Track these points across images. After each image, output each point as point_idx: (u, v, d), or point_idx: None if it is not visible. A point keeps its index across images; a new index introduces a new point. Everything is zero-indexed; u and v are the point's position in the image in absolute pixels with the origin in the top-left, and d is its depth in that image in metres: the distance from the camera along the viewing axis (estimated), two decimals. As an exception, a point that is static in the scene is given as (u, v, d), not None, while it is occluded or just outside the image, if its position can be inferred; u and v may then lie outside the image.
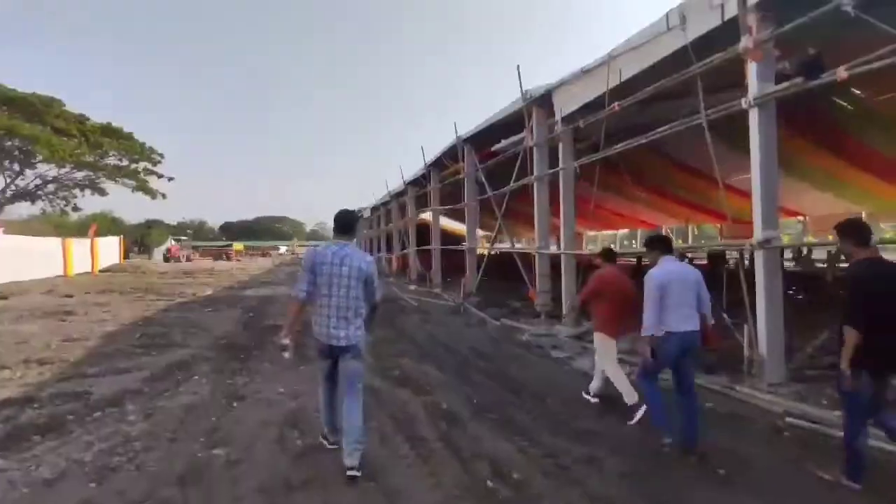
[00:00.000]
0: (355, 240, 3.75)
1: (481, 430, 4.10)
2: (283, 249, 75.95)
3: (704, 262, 25.94)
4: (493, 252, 14.73)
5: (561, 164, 9.96)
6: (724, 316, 6.28)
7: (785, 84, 5.20)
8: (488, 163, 13.44)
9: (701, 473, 3.41)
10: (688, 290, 3.74)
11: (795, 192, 18.19)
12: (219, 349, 7.37)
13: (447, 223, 27.31)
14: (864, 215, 19.13)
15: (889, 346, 3.03)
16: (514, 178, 12.05)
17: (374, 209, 33.12)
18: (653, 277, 3.73)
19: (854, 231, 3.30)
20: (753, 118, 5.60)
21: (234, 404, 4.82)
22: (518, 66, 10.70)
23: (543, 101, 10.39)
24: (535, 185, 10.81)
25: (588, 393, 5.03)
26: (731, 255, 25.07)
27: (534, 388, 5.31)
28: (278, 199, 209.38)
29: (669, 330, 3.65)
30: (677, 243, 27.09)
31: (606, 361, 4.77)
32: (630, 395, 4.46)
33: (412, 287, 18.72)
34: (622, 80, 7.81)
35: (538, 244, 10.87)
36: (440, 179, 19.08)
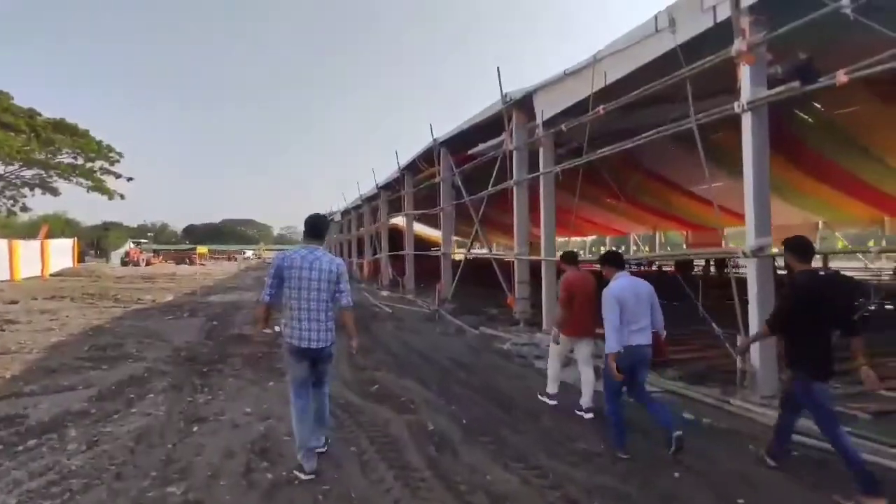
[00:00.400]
0: (325, 243, 3.79)
1: (474, 455, 3.73)
2: (249, 253, 73.93)
3: (671, 269, 26.37)
4: (469, 258, 14.40)
5: (542, 169, 9.73)
6: (714, 326, 6.11)
7: (780, 88, 5.06)
8: (465, 167, 13.14)
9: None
10: (641, 304, 3.84)
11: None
12: (178, 362, 6.77)
13: (420, 229, 26.98)
14: (820, 224, 19.96)
15: (825, 355, 3.33)
16: (492, 182, 11.78)
17: (346, 213, 32.42)
18: (609, 294, 3.82)
19: (799, 248, 3.57)
20: (746, 123, 5.45)
21: (194, 428, 4.29)
22: (498, 68, 10.47)
23: (523, 103, 10.16)
24: (514, 189, 10.55)
25: (580, 409, 4.82)
26: (698, 263, 25.56)
27: (523, 404, 4.97)
28: (245, 202, 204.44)
29: (624, 344, 3.75)
30: (644, 251, 27.50)
31: (553, 355, 5.04)
32: (552, 387, 5.02)
33: (384, 293, 18.23)
34: (607, 84, 7.62)
35: (517, 250, 10.61)
36: (414, 184, 18.71)
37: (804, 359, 3.38)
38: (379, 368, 6.40)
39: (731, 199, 20.46)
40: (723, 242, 23.62)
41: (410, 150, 18.05)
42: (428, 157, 15.94)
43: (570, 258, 5.23)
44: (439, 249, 15.75)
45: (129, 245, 48.29)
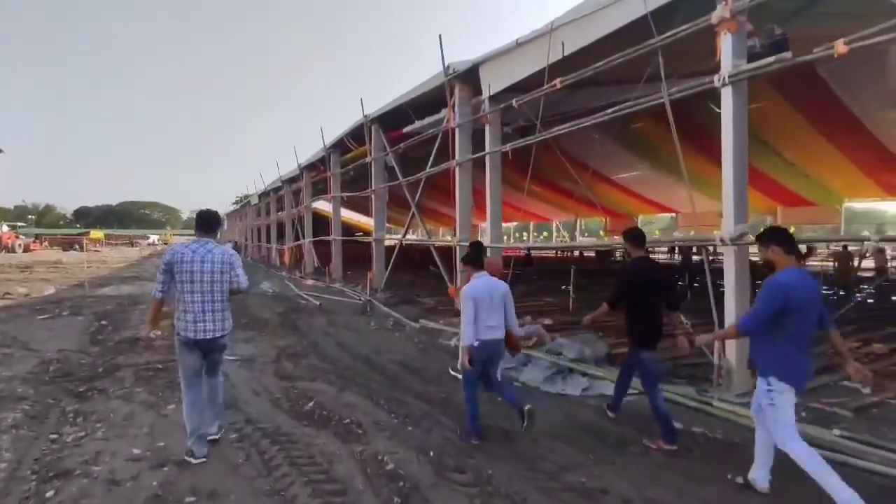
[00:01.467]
0: (217, 236, 3.92)
1: (453, 505, 2.87)
2: (153, 239, 67.54)
3: (590, 255, 26.97)
4: (404, 244, 13.45)
5: (488, 148, 8.98)
6: (682, 319, 5.69)
7: (769, 59, 4.59)
8: (400, 145, 12.10)
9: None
10: (495, 304, 4.05)
11: (670, 188, 19.53)
12: (44, 380, 5.27)
13: (346, 214, 25.32)
14: (723, 212, 21.15)
15: (650, 329, 3.99)
16: (430, 163, 10.88)
17: (264, 195, 30.01)
18: (465, 294, 4.03)
19: (636, 237, 4.23)
20: (727, 98, 4.97)
21: (48, 493, 3.03)
22: (440, 36, 9.50)
23: (468, 76, 9.32)
24: (456, 170, 9.73)
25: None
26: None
27: (496, 422, 4.18)
28: (150, 184, 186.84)
29: (478, 338, 3.98)
30: (565, 237, 27.80)
31: None
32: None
33: (309, 282, 16.81)
34: (565, 54, 6.95)
35: (459, 236, 9.83)
36: (342, 164, 17.33)
37: (635, 331, 4.03)
38: (313, 378, 5.34)
39: (648, 188, 21.26)
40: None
41: (337, 129, 16.68)
42: (358, 136, 14.69)
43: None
44: (366, 235, 14.68)
45: (2, 228, 41.92)
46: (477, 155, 9.33)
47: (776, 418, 2.92)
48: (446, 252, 11.00)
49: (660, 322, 4.04)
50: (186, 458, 3.45)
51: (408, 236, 14.22)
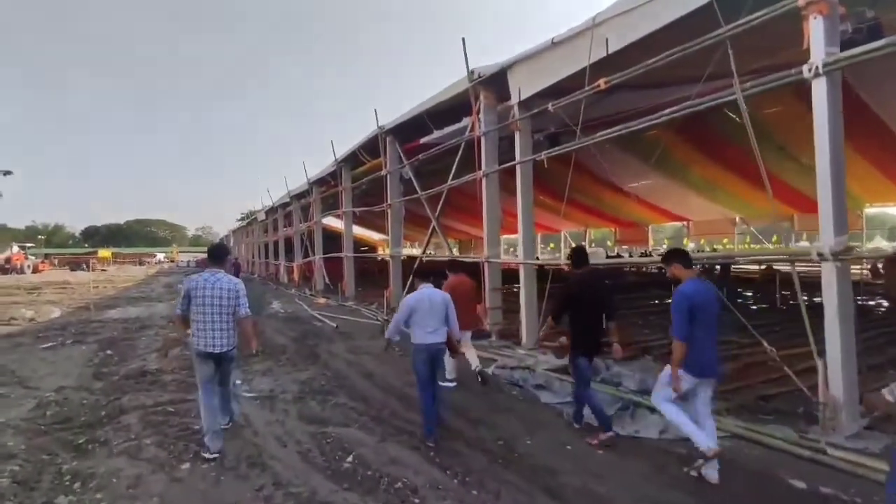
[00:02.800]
0: (226, 266, 4.55)
1: None
2: (161, 256, 67.21)
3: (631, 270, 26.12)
4: (424, 259, 12.80)
5: (518, 157, 8.35)
6: (764, 343, 4.98)
7: (876, 44, 3.92)
8: (419, 156, 11.49)
9: None
10: (435, 311, 4.46)
11: (681, 196, 18.97)
12: (40, 428, 4.61)
13: (355, 230, 24.71)
14: (737, 219, 20.53)
15: (587, 338, 4.40)
16: (452, 174, 10.27)
17: (272, 211, 29.52)
18: (404, 301, 4.55)
19: (578, 256, 4.78)
20: (820, 90, 4.31)
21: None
22: (463, 39, 8.95)
23: (494, 81, 8.72)
24: (483, 181, 9.09)
25: (445, 379, 5.69)
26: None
27: (574, 482, 3.46)
28: (157, 201, 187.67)
29: (418, 342, 4.42)
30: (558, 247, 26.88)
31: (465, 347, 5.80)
32: (475, 361, 5.98)
33: (321, 301, 16.15)
34: (609, 53, 6.33)
35: (488, 251, 9.17)
36: (354, 178, 16.78)
37: (575, 340, 4.45)
38: (346, 422, 4.63)
39: (659, 197, 20.66)
40: (649, 238, 23.62)
41: (346, 144, 16.15)
42: (371, 148, 14.13)
43: (453, 266, 6.31)
44: (371, 251, 14.01)
45: (13, 249, 41.67)
46: (507, 165, 8.69)
47: (659, 387, 3.79)
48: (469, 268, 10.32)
49: (600, 332, 4.49)
50: (202, 453, 3.96)
51: (429, 253, 13.57)
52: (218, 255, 4.46)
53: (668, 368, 3.68)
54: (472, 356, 6.02)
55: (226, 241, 43.47)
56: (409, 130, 12.04)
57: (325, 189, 19.83)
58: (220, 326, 4.10)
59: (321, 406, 5.13)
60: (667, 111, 5.74)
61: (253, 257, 38.76)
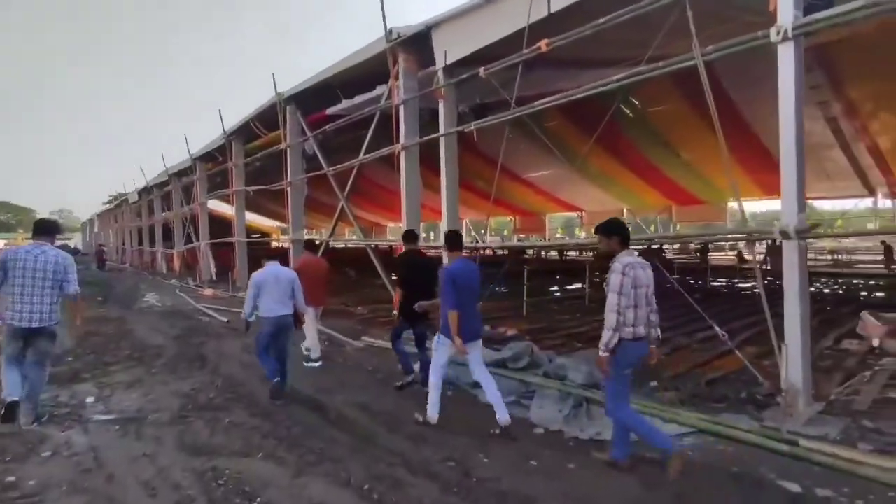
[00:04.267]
0: (54, 241, 4.46)
1: None
2: (1, 244, 56.80)
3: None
4: (333, 245, 11.57)
5: (443, 129, 7.53)
6: (718, 331, 4.70)
7: (852, 5, 3.64)
8: (326, 127, 10.22)
9: None
10: (281, 287, 4.85)
11: (576, 187, 19.76)
12: None
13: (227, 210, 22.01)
14: (624, 211, 21.71)
15: (409, 305, 4.98)
16: (364, 149, 9.19)
17: (145, 192, 25.83)
18: (252, 279, 4.93)
19: (407, 237, 5.79)
20: (786, 55, 4.00)
21: None
22: (381, -7, 7.87)
23: (415, 43, 7.78)
24: (402, 155, 8.15)
25: (309, 360, 6.15)
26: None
27: None
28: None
29: (265, 315, 4.79)
30: (472, 236, 27.20)
31: (310, 324, 6.03)
32: (315, 350, 6.20)
33: (208, 292, 14.19)
34: (552, 12, 5.71)
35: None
36: (247, 153, 14.86)
37: (402, 306, 5.08)
38: (247, 452, 3.48)
39: (556, 187, 21.37)
40: (546, 227, 24.30)
41: (237, 114, 14.23)
42: (268, 120, 12.46)
43: (307, 245, 7.12)
44: (265, 237, 12.50)
45: None
46: (430, 137, 7.83)
47: (435, 357, 4.19)
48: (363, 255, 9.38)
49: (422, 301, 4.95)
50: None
51: (339, 238, 12.33)
52: (44, 228, 4.34)
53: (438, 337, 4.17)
54: (312, 336, 6.24)
55: (89, 226, 37.78)
56: (313, 99, 10.67)
57: (212, 166, 17.51)
58: (40, 300, 3.98)
59: (210, 428, 3.92)
60: (615, 77, 5.25)
61: (123, 244, 33.98)
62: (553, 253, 26.94)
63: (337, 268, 17.71)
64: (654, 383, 5.05)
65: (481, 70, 6.58)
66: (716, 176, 16.16)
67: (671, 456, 3.11)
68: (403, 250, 5.61)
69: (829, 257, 23.88)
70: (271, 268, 4.95)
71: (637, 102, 12.83)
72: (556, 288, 14.51)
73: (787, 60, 4.00)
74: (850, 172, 14.59)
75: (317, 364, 6.09)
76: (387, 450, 3.55)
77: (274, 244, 26.53)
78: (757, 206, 26.58)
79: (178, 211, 21.25)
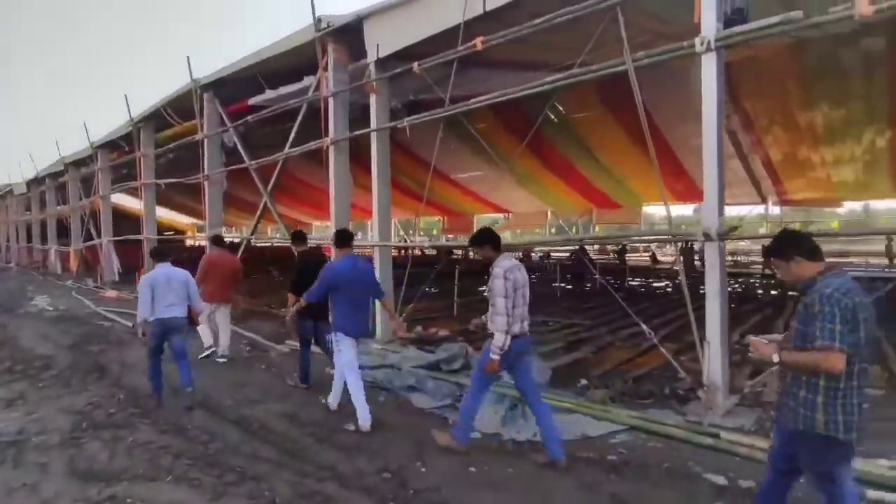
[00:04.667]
0: None
1: None
2: None
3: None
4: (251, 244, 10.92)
5: (375, 124, 7.29)
6: (645, 329, 4.87)
7: (773, 19, 3.87)
8: (248, 118, 9.59)
9: None
10: (172, 288, 4.71)
11: (506, 189, 20.30)
12: None
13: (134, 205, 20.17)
14: (549, 213, 22.75)
15: (318, 305, 4.52)
16: (290, 143, 8.72)
17: (35, 182, 23.09)
18: (143, 281, 4.80)
19: (296, 237, 5.63)
20: (710, 66, 4.20)
21: None
22: (309, -21, 7.48)
23: (346, 34, 7.47)
24: (331, 150, 7.80)
25: (218, 356, 6.13)
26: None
27: None
28: None
29: (157, 317, 4.66)
30: (401, 235, 27.09)
31: (209, 319, 6.01)
32: (207, 341, 6.14)
33: (111, 294, 12.92)
34: (487, 9, 5.67)
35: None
36: (157, 143, 13.66)
37: (304, 312, 4.76)
38: (154, 475, 3.06)
39: (485, 188, 21.78)
40: (475, 227, 24.80)
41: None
42: (183, 108, 11.50)
43: (217, 240, 6.71)
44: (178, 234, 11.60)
45: None
46: (361, 132, 7.56)
47: (343, 357, 4.11)
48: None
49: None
50: None
51: (260, 237, 11.64)
52: None
53: (339, 337, 4.14)
54: (225, 329, 6.19)
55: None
56: (235, 88, 9.99)
57: (118, 156, 15.95)
58: None
59: (110, 450, 3.44)
60: (550, 79, 5.30)
61: (8, 241, 30.20)
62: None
63: (261, 268, 16.90)
64: (584, 382, 5.16)
65: (415, 65, 6.42)
66: (631, 181, 17.06)
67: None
68: (298, 252, 5.48)
69: (730, 258, 26.17)
70: (162, 269, 4.84)
71: (562, 108, 13.28)
72: (485, 288, 14.63)
73: (709, 70, 4.21)
74: (747, 181, 16.00)
75: (223, 360, 6.09)
76: (316, 463, 3.29)
77: (188, 242, 24.79)
78: (666, 210, 28.58)
79: (75, 204, 19.18)
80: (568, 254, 19.26)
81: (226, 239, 7.44)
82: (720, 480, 3.10)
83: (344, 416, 4.13)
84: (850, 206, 18.44)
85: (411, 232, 30.50)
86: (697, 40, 4.18)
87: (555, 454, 3.30)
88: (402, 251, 17.38)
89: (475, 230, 3.98)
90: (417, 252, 19.64)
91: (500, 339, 3.25)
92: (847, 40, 7.75)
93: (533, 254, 24.14)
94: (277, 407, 4.40)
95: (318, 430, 3.88)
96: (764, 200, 17.78)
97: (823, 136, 12.09)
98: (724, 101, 4.32)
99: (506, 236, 30.25)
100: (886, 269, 17.90)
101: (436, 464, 3.29)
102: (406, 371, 5.36)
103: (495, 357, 3.28)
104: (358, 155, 8.38)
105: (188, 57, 10.75)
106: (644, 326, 4.87)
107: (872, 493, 2.94)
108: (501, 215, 27.95)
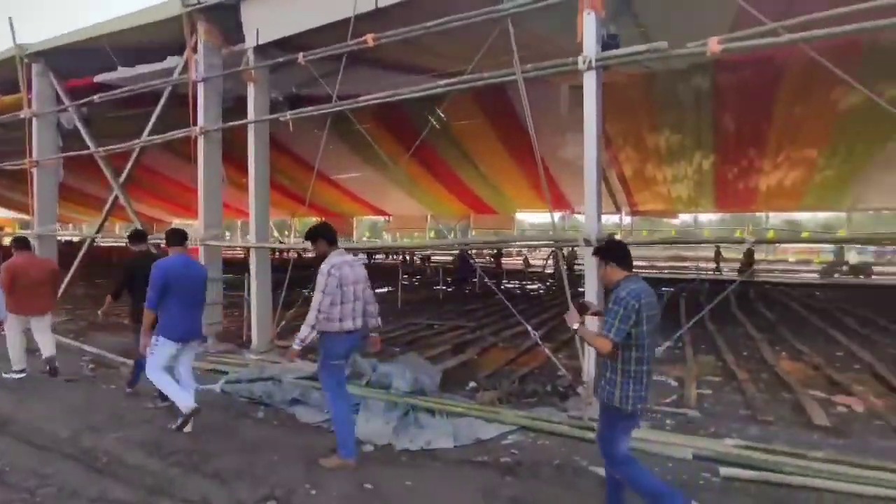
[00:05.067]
0: None
1: None
2: None
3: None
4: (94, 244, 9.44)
5: (253, 115, 6.71)
6: (531, 330, 5.07)
7: (642, 46, 4.27)
8: (94, 97, 8.23)
9: None
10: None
11: (386, 192, 20.42)
12: None
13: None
14: (428, 217, 23.22)
15: (139, 311, 4.18)
16: (148, 130, 7.69)
17: None
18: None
19: (134, 236, 5.06)
20: (590, 83, 4.51)
21: None
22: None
23: (219, 14, 6.78)
24: (200, 141, 7.01)
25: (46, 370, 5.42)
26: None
27: None
28: None
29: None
30: (275, 237, 25.81)
31: (13, 334, 5.33)
32: (17, 359, 5.36)
33: None
34: (380, 6, 5.51)
35: (205, 233, 7.12)
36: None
37: (134, 314, 4.60)
38: None
39: (364, 190, 21.59)
40: (354, 230, 24.22)
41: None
42: (5, 79, 9.54)
43: (21, 242, 5.68)
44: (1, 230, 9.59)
45: None
46: (237, 123, 6.89)
47: (152, 358, 3.90)
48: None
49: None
50: None
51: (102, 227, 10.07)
52: None
53: (159, 341, 3.90)
54: (47, 342, 5.53)
55: None
56: (76, 60, 8.53)
57: None
58: None
59: None
60: (443, 82, 5.30)
61: None
62: (362, 256, 26.80)
63: (110, 272, 14.70)
64: (472, 384, 5.23)
65: (301, 55, 6.02)
66: (506, 188, 17.99)
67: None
68: (134, 251, 5.00)
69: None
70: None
71: (443, 115, 13.50)
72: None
73: (590, 86, 4.52)
74: (604, 193, 17.77)
75: (18, 376, 5.31)
76: (184, 499, 2.85)
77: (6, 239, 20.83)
78: (536, 217, 30.72)
79: None
80: (451, 257, 19.65)
81: (63, 237, 6.34)
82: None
83: (218, 435, 3.66)
84: (684, 219, 21.32)
85: (286, 233, 28.93)
86: (580, 58, 4.47)
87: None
88: (280, 253, 16.34)
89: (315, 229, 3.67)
90: (293, 254, 18.55)
91: (303, 332, 3.33)
92: (684, 76, 8.94)
93: (412, 257, 24.39)
94: (133, 434, 3.77)
95: (186, 457, 3.39)
96: (619, 210, 19.93)
97: (665, 156, 13.86)
98: (602, 116, 4.65)
99: (386, 238, 30.16)
100: (709, 273, 21.08)
101: (327, 485, 3.04)
102: (288, 383, 4.95)
103: (297, 347, 3.38)
104: (230, 150, 7.65)
105: (10, 18, 8.95)
106: (529, 327, 5.08)
107: (725, 471, 3.33)
108: (382, 218, 27.82)
